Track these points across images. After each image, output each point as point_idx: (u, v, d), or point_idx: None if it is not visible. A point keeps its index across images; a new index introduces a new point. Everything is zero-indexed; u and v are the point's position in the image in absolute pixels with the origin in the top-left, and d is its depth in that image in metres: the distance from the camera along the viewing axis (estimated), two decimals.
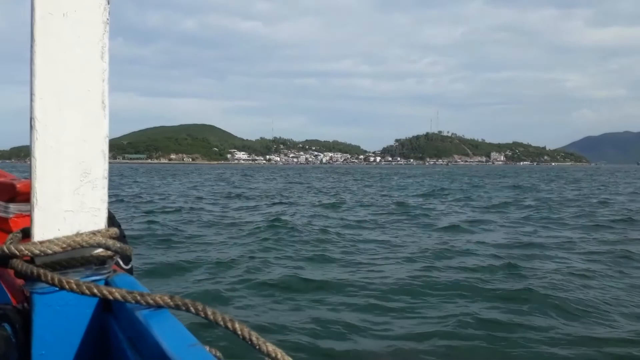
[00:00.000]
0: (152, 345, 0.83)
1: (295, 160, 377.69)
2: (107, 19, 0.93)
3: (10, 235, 0.96)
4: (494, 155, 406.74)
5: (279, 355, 0.80)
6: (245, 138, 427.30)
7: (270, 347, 0.81)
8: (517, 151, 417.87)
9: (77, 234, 0.92)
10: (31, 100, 0.88)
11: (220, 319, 0.85)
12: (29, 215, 1.03)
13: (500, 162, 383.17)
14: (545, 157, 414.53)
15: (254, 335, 0.82)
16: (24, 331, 0.93)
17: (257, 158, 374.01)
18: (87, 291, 0.88)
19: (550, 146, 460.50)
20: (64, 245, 0.90)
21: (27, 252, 0.89)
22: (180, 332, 0.85)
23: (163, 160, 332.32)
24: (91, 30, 0.91)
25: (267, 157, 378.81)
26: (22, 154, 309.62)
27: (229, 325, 0.84)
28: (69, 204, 0.93)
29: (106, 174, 0.96)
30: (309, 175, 56.97)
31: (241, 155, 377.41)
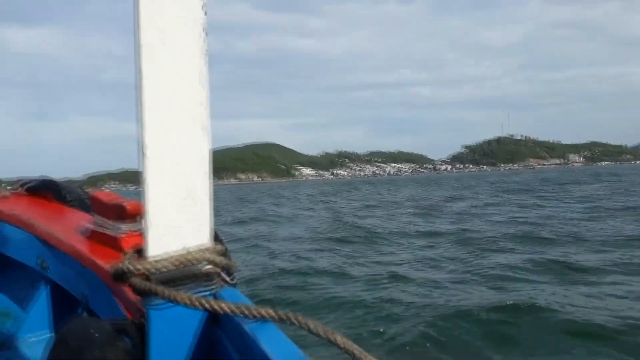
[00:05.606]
0: (261, 357, 0.87)
1: (361, 173, 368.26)
2: (206, 50, 0.98)
3: (128, 255, 1.01)
4: (571, 156, 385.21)
5: None
6: (308, 154, 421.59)
7: None
8: (596, 151, 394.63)
9: (187, 252, 0.98)
10: (140, 128, 0.94)
11: (322, 331, 0.86)
12: (137, 234, 1.13)
13: (579, 164, 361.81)
14: (627, 156, 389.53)
15: (357, 349, 0.83)
16: (141, 344, 1.00)
17: (323, 173, 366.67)
18: (199, 305, 0.94)
19: (629, 143, 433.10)
20: (176, 263, 0.96)
21: (143, 270, 0.96)
22: (286, 344, 0.89)
23: (233, 181, 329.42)
24: (191, 60, 0.97)
25: (333, 171, 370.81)
26: (99, 182, 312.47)
27: (331, 337, 0.85)
28: (177, 222, 0.98)
29: (209, 192, 1.01)
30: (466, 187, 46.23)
31: (307, 171, 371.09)
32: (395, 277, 7.79)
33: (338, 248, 11.25)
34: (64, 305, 1.65)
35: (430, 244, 11.12)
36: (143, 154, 0.94)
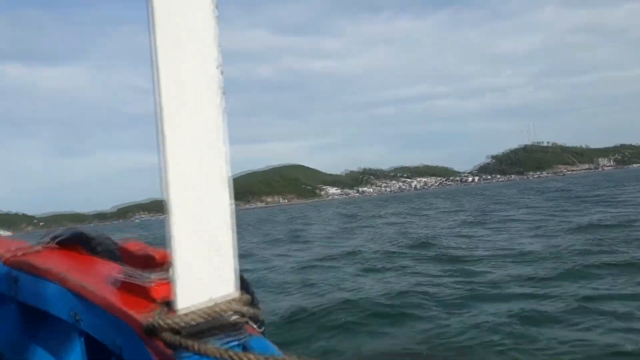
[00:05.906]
0: None
1: (387, 189, 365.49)
2: (224, 108, 1.03)
3: (158, 310, 1.07)
4: (601, 161, 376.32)
5: None
6: (332, 173, 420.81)
7: None
8: (627, 153, 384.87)
9: (214, 303, 1.02)
10: (165, 185, 0.99)
11: None
12: (166, 282, 1.19)
13: (610, 167, 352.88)
14: None
15: None
16: None
17: (349, 191, 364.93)
18: (228, 358, 0.96)
19: None
20: (204, 315, 1.00)
21: (172, 324, 0.99)
22: None
23: (259, 204, 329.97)
24: (210, 118, 1.02)
25: (359, 189, 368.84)
26: (128, 214, 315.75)
27: None
28: (203, 274, 1.02)
29: (234, 242, 1.05)
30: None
31: (333, 190, 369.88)
32: (466, 307, 6.35)
33: (389, 268, 9.88)
34: (98, 357, 1.68)
35: (500, 262, 9.59)
36: (167, 209, 0.99)
